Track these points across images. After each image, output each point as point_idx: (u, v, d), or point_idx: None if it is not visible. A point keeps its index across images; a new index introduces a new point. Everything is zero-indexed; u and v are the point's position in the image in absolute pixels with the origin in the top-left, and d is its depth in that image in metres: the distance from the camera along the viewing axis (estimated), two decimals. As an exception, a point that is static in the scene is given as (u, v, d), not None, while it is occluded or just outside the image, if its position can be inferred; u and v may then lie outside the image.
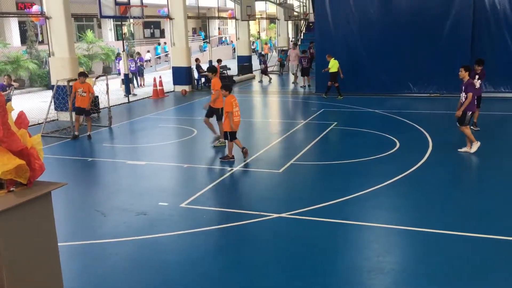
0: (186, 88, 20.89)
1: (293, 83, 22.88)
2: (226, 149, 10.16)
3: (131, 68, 23.61)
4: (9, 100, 13.42)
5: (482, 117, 12.21)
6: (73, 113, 12.71)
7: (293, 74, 23.24)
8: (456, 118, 9.92)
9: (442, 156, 9.95)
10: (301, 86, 21.50)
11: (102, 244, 6.32)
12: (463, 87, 9.75)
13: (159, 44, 39.32)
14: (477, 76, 11.27)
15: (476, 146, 9.89)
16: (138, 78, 23.97)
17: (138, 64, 23.80)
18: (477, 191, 8.05)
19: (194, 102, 18.27)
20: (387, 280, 5.24)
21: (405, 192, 7.98)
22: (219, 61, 21.96)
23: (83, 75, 12.49)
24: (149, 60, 35.39)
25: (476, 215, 6.90)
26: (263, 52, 35.00)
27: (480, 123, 11.91)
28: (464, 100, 9.67)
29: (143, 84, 24.12)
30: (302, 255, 5.85)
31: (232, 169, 9.35)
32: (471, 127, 11.20)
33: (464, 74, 9.80)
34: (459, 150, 9.96)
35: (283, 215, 6.95)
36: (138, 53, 25.98)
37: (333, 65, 17.55)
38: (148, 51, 36.69)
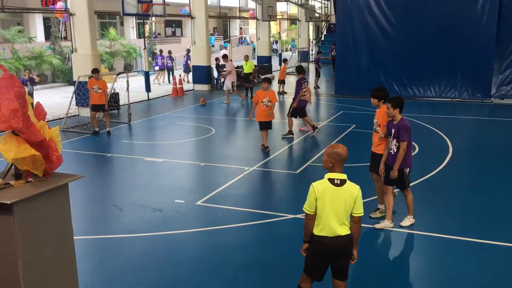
0: (206, 87, 21.02)
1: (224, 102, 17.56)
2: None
3: (168, 65, 24.27)
4: (30, 94, 13.61)
5: (499, 122, 11.92)
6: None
7: (229, 92, 17.54)
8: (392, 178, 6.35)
9: (462, 161, 9.77)
10: (314, 87, 21.33)
11: (118, 238, 6.36)
12: (392, 130, 6.31)
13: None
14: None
15: (409, 221, 6.64)
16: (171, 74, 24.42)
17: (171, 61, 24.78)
18: (497, 197, 7.87)
19: (213, 101, 18.30)
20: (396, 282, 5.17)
21: (423, 197, 7.85)
22: (285, 60, 22.03)
23: (97, 71, 12.50)
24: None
25: (494, 222, 6.76)
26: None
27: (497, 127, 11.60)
28: (396, 150, 6.29)
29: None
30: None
31: (249, 169, 9.34)
32: None
33: (393, 112, 6.30)
34: (377, 226, 6.59)
35: (299, 216, 6.90)
36: (170, 52, 26.03)
37: (248, 67, 18.67)
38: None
